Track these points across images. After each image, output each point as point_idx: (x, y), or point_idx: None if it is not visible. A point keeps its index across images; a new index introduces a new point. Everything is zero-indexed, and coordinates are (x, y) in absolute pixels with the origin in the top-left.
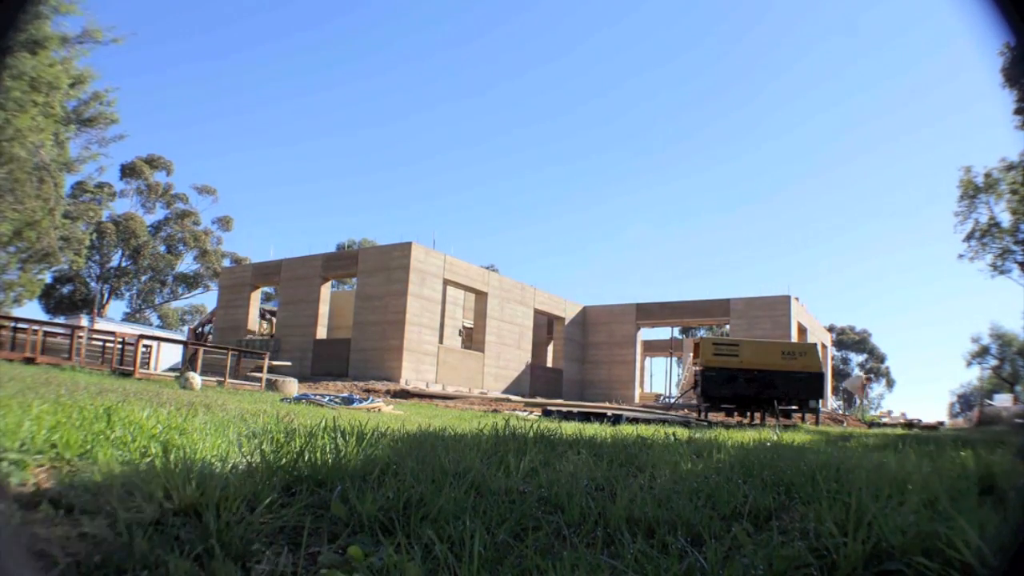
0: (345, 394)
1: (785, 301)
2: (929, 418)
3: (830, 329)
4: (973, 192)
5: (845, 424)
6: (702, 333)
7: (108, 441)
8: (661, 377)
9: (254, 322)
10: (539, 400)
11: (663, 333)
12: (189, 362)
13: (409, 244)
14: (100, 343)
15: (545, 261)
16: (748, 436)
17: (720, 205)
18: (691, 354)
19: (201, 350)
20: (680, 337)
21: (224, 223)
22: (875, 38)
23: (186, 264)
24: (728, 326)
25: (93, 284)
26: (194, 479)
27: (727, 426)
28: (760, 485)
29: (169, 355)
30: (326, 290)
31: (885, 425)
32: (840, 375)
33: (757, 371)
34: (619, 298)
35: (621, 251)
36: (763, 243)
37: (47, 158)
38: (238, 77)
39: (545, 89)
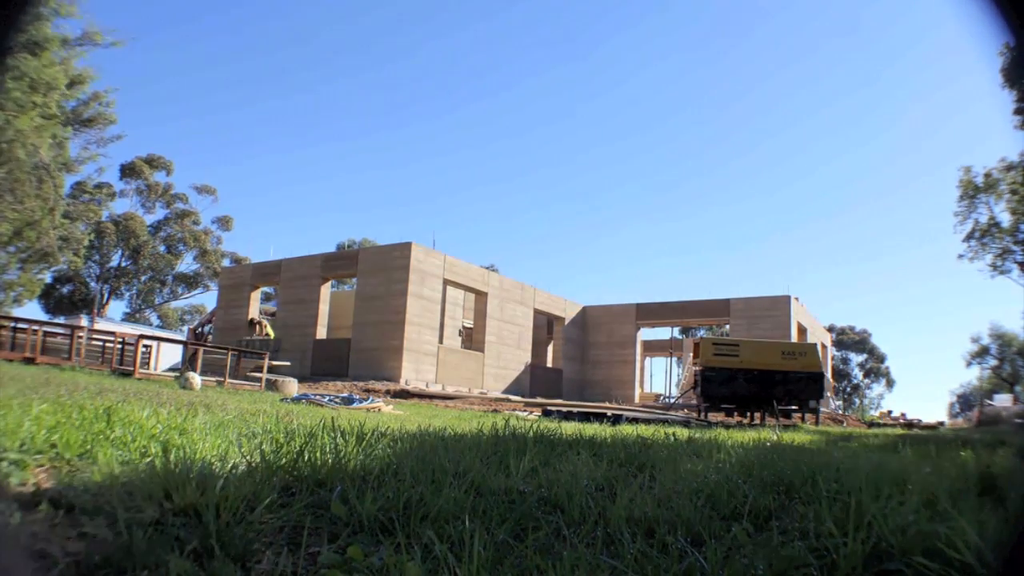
0: (345, 394)
1: (785, 301)
2: (929, 418)
3: (830, 329)
4: (973, 192)
5: (845, 424)
6: (702, 333)
7: (108, 441)
8: (661, 377)
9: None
10: (539, 400)
11: (663, 333)
12: (189, 362)
13: (409, 244)
14: (100, 343)
15: (545, 261)
16: (748, 436)
17: (720, 205)
18: (691, 354)
19: (201, 350)
20: (680, 337)
21: (224, 223)
22: (875, 38)
23: (186, 264)
24: (728, 326)
25: (93, 284)
26: (194, 479)
27: (727, 426)
28: (760, 485)
29: (169, 355)
30: (326, 290)
31: (885, 425)
32: (840, 375)
33: (757, 371)
34: (619, 298)
35: (621, 251)
36: (763, 243)
37: (47, 158)
38: (238, 77)
39: (545, 89)
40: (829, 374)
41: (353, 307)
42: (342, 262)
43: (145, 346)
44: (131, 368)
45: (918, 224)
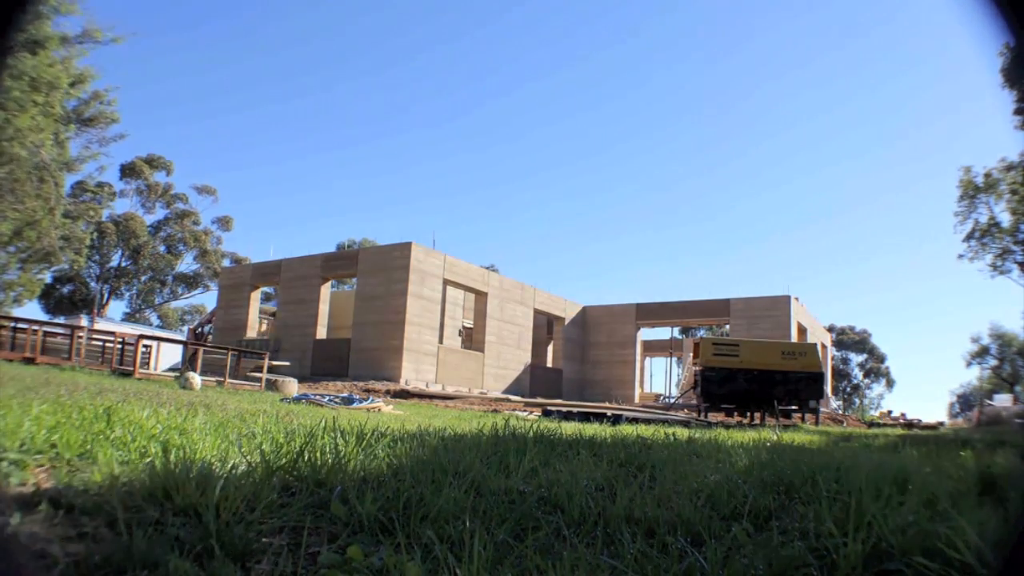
0: (345, 394)
1: (785, 301)
2: (929, 418)
3: (830, 329)
4: (973, 192)
5: (845, 424)
6: (702, 333)
7: (108, 441)
8: (661, 377)
9: (254, 322)
10: (539, 400)
11: (663, 333)
12: (189, 362)
13: (409, 244)
14: (100, 343)
15: (545, 261)
16: (748, 436)
17: (720, 205)
18: (691, 354)
19: (201, 350)
20: (680, 337)
21: (224, 223)
22: (875, 38)
23: (186, 264)
24: (728, 326)
25: (93, 284)
26: (194, 479)
27: (727, 426)
28: (760, 485)
29: (169, 355)
30: (326, 290)
31: (885, 425)
32: (840, 375)
33: (757, 371)
34: (619, 298)
35: (621, 251)
36: (763, 243)
37: (47, 158)
38: (238, 76)
39: (545, 89)
40: (829, 374)
41: (353, 307)
42: (342, 262)
43: (145, 346)
44: (131, 368)
45: (918, 224)
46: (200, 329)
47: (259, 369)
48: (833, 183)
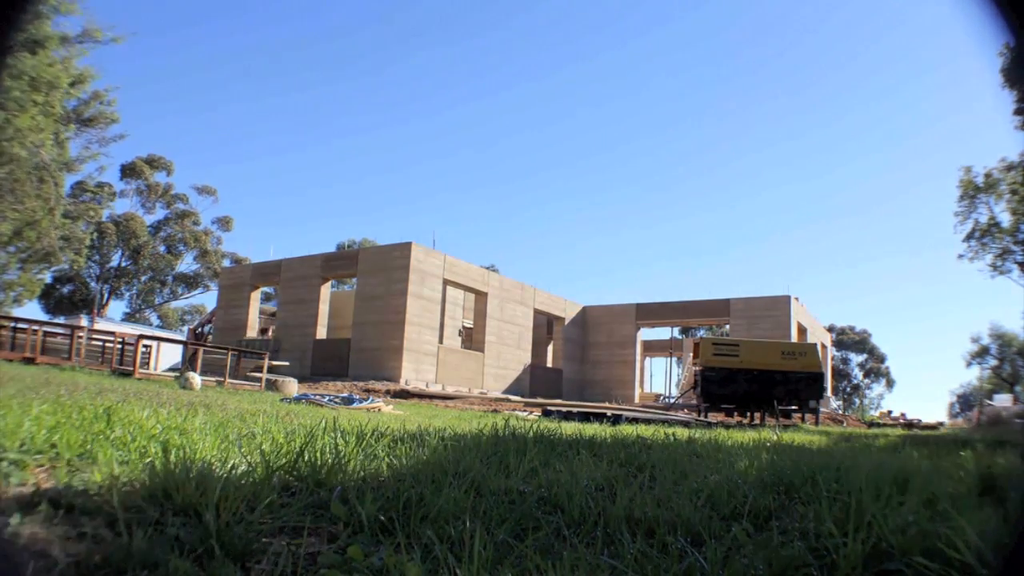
0: (345, 394)
1: (785, 301)
2: (929, 418)
3: (830, 329)
4: (973, 192)
5: (845, 424)
6: (702, 333)
7: (108, 441)
8: (661, 377)
9: (254, 322)
10: (539, 400)
11: (663, 333)
12: (189, 362)
13: (409, 244)
14: (100, 343)
15: (545, 261)
16: (748, 436)
17: (720, 205)
18: (691, 354)
19: (201, 350)
20: (680, 337)
21: (224, 223)
22: (875, 39)
23: (186, 264)
24: (728, 326)
25: (93, 284)
26: (194, 479)
27: (727, 426)
28: (760, 485)
29: (169, 355)
30: (326, 290)
31: (885, 425)
32: (840, 375)
33: (757, 371)
34: (619, 298)
35: (621, 251)
36: (763, 243)
37: (47, 158)
38: (238, 76)
39: (546, 89)
40: (829, 374)
41: (353, 307)
42: (342, 262)
43: (145, 346)
44: (131, 368)
45: (918, 224)
46: (200, 329)
47: (259, 369)
48: (833, 183)
